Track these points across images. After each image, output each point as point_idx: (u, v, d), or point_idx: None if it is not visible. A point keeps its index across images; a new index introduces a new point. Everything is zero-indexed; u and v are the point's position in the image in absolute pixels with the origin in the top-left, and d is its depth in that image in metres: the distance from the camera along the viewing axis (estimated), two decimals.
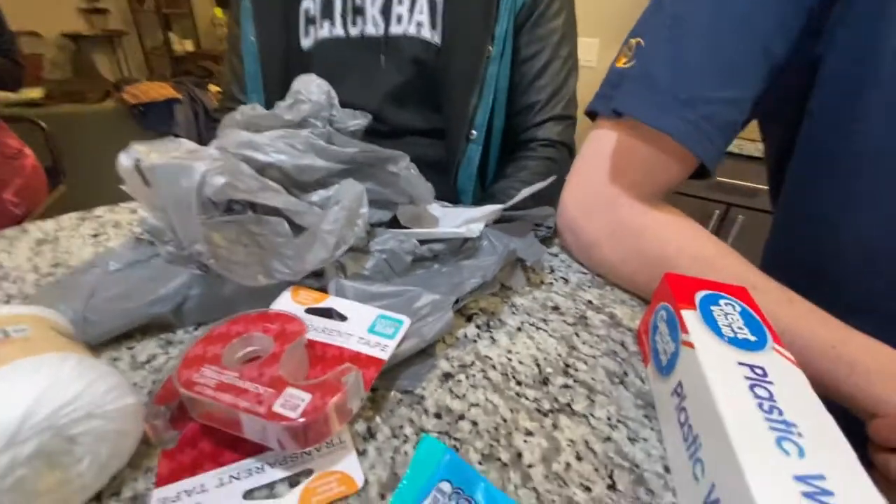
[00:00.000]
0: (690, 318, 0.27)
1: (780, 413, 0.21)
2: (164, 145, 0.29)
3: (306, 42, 0.62)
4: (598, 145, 0.38)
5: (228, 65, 0.71)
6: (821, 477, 0.18)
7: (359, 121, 0.41)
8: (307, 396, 0.22)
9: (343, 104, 0.62)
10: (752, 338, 0.26)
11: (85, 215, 0.47)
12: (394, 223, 0.40)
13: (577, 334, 0.34)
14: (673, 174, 0.35)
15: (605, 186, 0.37)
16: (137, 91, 2.00)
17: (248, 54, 0.64)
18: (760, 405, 0.22)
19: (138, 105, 1.97)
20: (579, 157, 0.40)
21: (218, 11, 3.87)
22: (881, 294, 0.35)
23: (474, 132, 0.61)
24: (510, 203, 0.40)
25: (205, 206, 0.28)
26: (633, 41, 0.35)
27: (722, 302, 0.29)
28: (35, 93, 1.90)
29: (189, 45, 4.03)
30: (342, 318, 0.30)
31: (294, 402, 0.22)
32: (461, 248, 0.39)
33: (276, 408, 0.21)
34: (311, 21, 0.61)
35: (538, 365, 0.31)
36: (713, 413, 0.21)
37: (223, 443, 0.24)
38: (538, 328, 0.34)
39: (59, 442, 0.19)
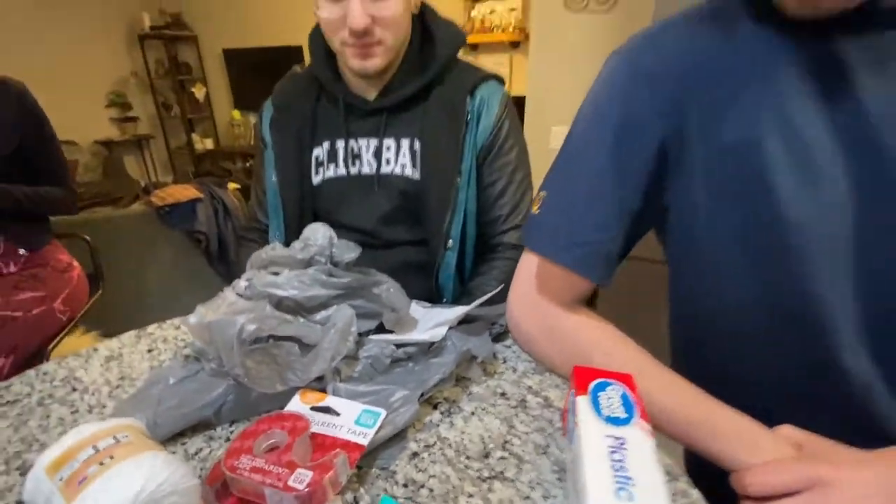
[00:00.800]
0: (582, 402, 0.38)
1: (626, 471, 0.32)
2: (215, 303, 0.42)
3: (316, 179, 0.79)
4: (529, 265, 0.51)
5: (254, 194, 0.89)
6: None
7: (352, 254, 0.54)
8: (310, 473, 0.33)
9: (345, 225, 0.77)
10: (623, 415, 0.37)
11: (140, 333, 0.60)
12: (380, 327, 0.52)
13: (516, 415, 0.45)
14: (581, 287, 0.48)
15: (536, 296, 0.50)
16: (164, 194, 2.24)
17: (269, 190, 0.81)
18: (613, 465, 0.32)
19: (164, 207, 2.20)
20: (517, 272, 0.53)
21: (235, 114, 4.31)
22: (736, 368, 0.46)
23: (450, 241, 0.75)
24: (469, 307, 0.52)
25: (241, 341, 0.41)
26: (541, 193, 0.49)
27: (609, 388, 0.40)
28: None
29: (209, 144, 4.44)
30: (336, 413, 0.41)
31: (301, 478, 0.33)
32: (430, 348, 0.50)
33: (290, 482, 0.32)
34: (320, 164, 0.78)
35: (483, 442, 0.42)
36: (581, 471, 0.32)
37: None
38: (487, 412, 0.45)
39: None
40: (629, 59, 0.45)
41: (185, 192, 2.27)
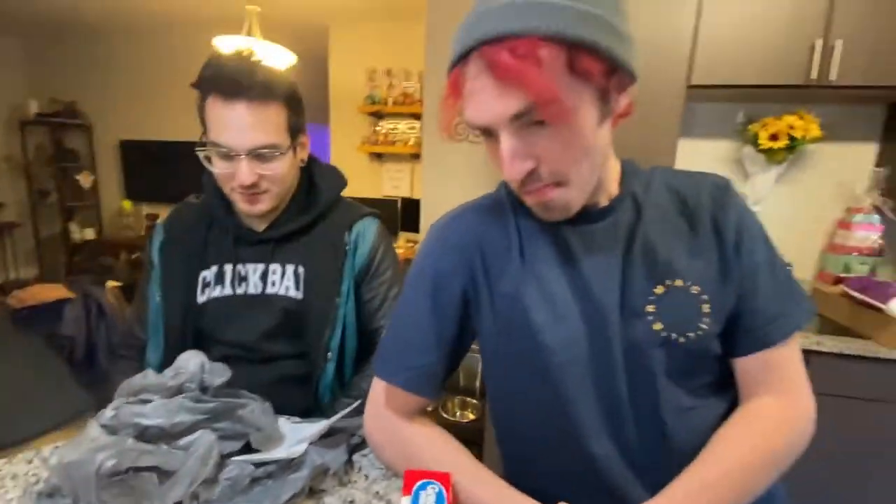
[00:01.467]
0: (405, 501, 0.47)
1: None
2: (77, 440, 0.46)
3: (202, 298, 0.84)
4: (377, 387, 0.62)
5: (136, 309, 0.91)
6: None
7: (222, 378, 0.61)
8: None
9: (228, 342, 0.82)
10: None
11: None
12: (247, 445, 0.58)
13: None
14: (416, 403, 0.60)
15: (383, 410, 0.60)
16: (25, 295, 2.03)
17: (152, 309, 0.85)
18: None
19: (23, 309, 1.98)
20: (371, 390, 0.63)
21: (126, 204, 4.09)
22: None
23: (329, 354, 0.83)
24: (331, 421, 0.60)
25: (99, 476, 0.45)
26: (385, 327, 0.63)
27: (429, 487, 0.50)
28: None
29: (90, 234, 4.10)
30: None
31: None
32: (291, 463, 0.57)
33: None
34: (206, 285, 0.84)
35: None
36: None
37: None
38: None
39: None
40: (440, 233, 0.62)
41: (52, 291, 2.07)
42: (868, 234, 1.71)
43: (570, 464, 0.55)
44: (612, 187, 0.57)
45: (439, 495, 0.49)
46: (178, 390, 0.57)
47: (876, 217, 1.71)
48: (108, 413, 0.54)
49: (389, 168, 3.27)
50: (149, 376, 0.58)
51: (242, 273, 0.84)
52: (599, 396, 0.54)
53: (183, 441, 0.53)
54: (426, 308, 0.58)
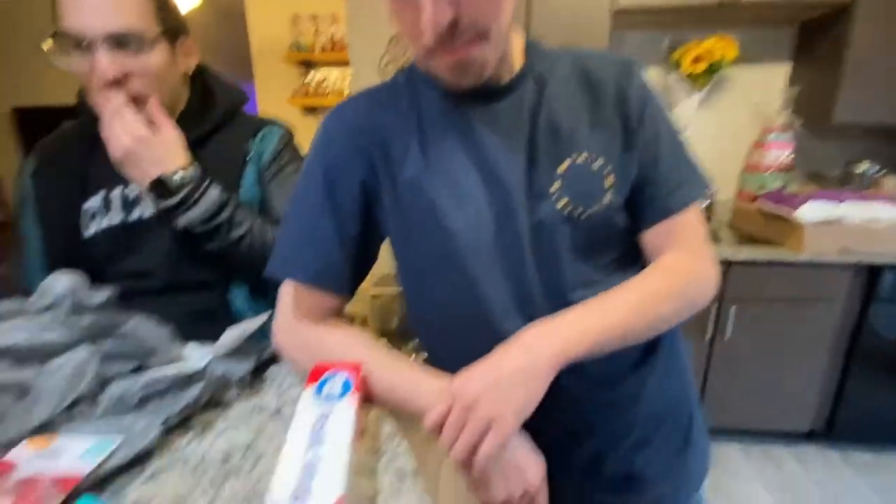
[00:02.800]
0: (308, 390, 0.45)
1: (322, 433, 0.39)
2: None
3: (88, 233, 0.75)
4: (285, 294, 0.58)
5: (14, 253, 0.80)
6: (317, 463, 0.36)
7: (101, 295, 0.54)
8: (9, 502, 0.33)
9: (127, 274, 0.74)
10: (339, 392, 0.45)
11: None
12: (139, 368, 0.53)
13: (269, 422, 0.50)
14: (327, 303, 0.56)
15: (292, 319, 0.56)
16: None
17: (31, 248, 0.75)
18: (313, 428, 0.39)
19: None
20: (278, 302, 0.59)
21: None
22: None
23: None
24: (219, 343, 0.56)
25: None
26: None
27: (336, 376, 0.47)
28: None
29: None
30: (58, 456, 0.41)
31: None
32: (188, 379, 0.53)
33: None
34: (92, 217, 0.75)
35: (225, 452, 0.45)
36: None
37: None
38: (238, 427, 0.49)
39: None
40: (334, 115, 0.57)
41: None
42: (781, 152, 1.82)
43: (483, 345, 0.55)
44: (516, 62, 0.54)
45: (345, 383, 0.47)
46: (46, 310, 0.50)
47: (787, 135, 1.81)
48: None
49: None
50: (5, 307, 0.51)
51: (132, 196, 0.76)
52: (507, 277, 0.53)
53: (56, 362, 0.48)
54: (322, 202, 0.54)
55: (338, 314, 0.59)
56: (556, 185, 0.52)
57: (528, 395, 0.43)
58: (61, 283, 0.52)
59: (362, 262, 0.59)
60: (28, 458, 0.40)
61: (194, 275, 0.78)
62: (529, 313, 0.53)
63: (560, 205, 0.51)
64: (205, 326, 0.75)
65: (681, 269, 0.52)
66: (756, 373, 1.71)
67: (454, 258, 0.53)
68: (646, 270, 0.53)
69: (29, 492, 0.35)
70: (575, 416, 0.55)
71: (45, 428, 0.44)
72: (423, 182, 0.53)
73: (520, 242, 0.52)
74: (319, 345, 0.55)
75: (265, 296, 0.83)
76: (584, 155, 0.52)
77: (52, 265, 0.74)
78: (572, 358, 0.45)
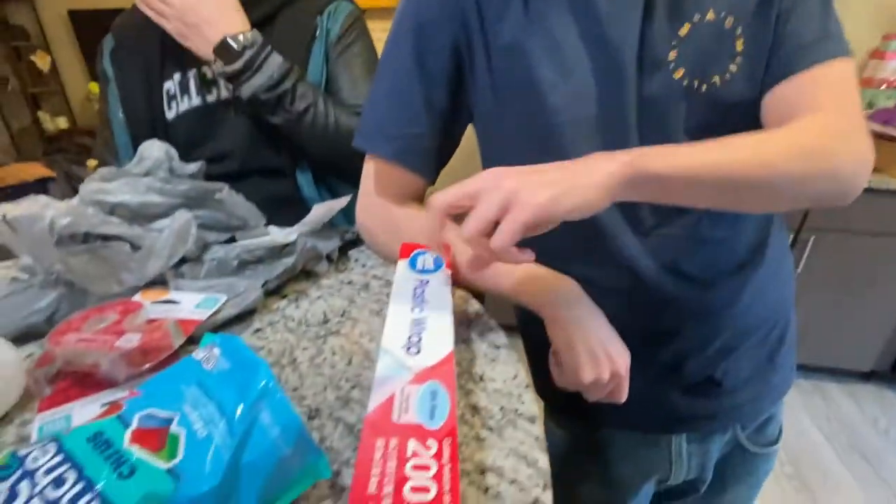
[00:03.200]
0: (402, 263, 0.45)
1: (423, 297, 0.39)
2: (25, 202, 0.41)
3: (170, 115, 0.76)
4: (367, 170, 0.56)
5: (101, 138, 0.82)
6: (424, 321, 0.36)
7: (193, 167, 0.55)
8: (138, 335, 0.36)
9: (208, 159, 0.75)
10: (432, 267, 0.44)
11: None
12: (231, 240, 0.54)
13: (358, 294, 0.51)
14: (411, 184, 0.54)
15: (375, 197, 0.55)
16: (4, 173, 1.94)
17: (117, 127, 0.77)
18: (415, 293, 0.39)
19: (6, 188, 1.91)
20: (362, 179, 0.58)
21: (93, 86, 3.78)
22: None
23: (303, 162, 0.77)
24: (309, 218, 0.56)
25: (63, 241, 0.41)
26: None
27: (427, 254, 0.47)
28: None
29: (63, 123, 3.85)
30: (176, 303, 0.43)
31: (129, 339, 0.35)
32: (281, 250, 0.54)
33: (118, 343, 0.35)
34: (172, 98, 0.75)
35: (324, 314, 0.47)
36: (390, 300, 0.38)
37: (90, 385, 0.36)
38: (332, 295, 0.50)
39: None
40: None
41: (32, 170, 1.98)
42: None
43: (575, 234, 0.52)
44: None
45: (437, 259, 0.46)
46: (145, 176, 0.51)
47: None
48: (73, 201, 0.49)
49: (374, 27, 2.92)
50: (113, 169, 0.52)
51: (209, 76, 0.75)
52: None
53: (157, 224, 0.49)
54: (411, 67, 0.50)
55: (419, 200, 0.57)
56: (675, 52, 0.45)
57: (573, 192, 0.33)
58: (156, 148, 0.52)
59: (447, 141, 0.55)
60: (148, 304, 0.43)
61: (267, 159, 0.78)
62: (630, 205, 0.49)
63: (678, 75, 0.44)
64: (278, 212, 0.76)
65: (819, 126, 0.39)
66: (823, 308, 1.63)
67: (551, 138, 0.48)
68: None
69: (156, 329, 0.37)
70: (663, 316, 0.53)
71: (157, 283, 0.47)
72: (522, 48, 0.47)
73: (626, 121, 0.46)
74: (401, 224, 0.54)
75: (326, 183, 0.83)
76: (711, 13, 0.44)
77: (136, 144, 0.76)
78: (646, 174, 0.34)
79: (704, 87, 0.44)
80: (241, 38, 0.66)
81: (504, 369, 0.39)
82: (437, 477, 0.24)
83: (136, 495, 0.22)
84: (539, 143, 0.49)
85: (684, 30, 0.44)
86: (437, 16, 0.49)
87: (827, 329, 1.66)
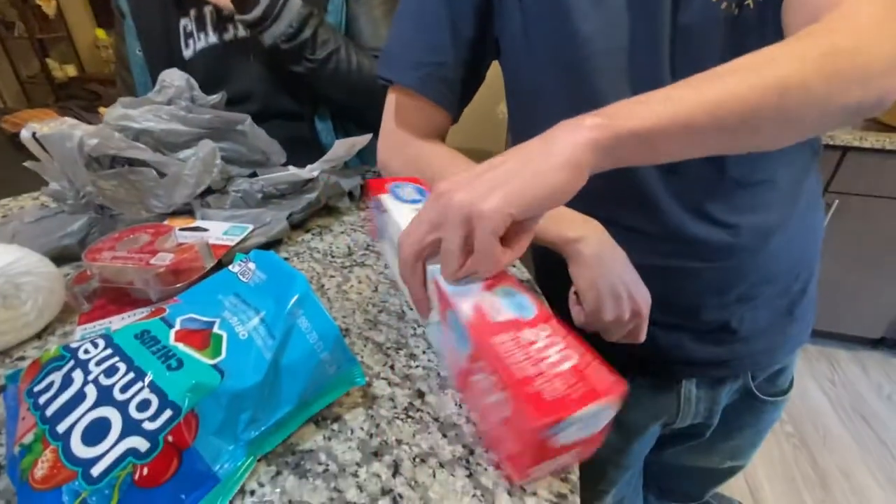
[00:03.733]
0: (385, 196, 0.43)
1: None
2: (53, 122, 0.41)
3: (187, 52, 0.74)
4: (389, 104, 0.55)
5: (119, 78, 0.81)
6: None
7: (215, 98, 0.54)
8: (171, 255, 0.36)
9: (229, 97, 0.74)
10: (418, 197, 0.43)
11: None
12: (253, 177, 0.54)
13: None
14: (434, 118, 0.53)
15: (397, 131, 0.54)
16: (17, 119, 1.93)
17: (135, 66, 0.75)
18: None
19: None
20: (384, 113, 0.57)
21: (100, 33, 3.69)
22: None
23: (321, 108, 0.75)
24: (329, 154, 0.55)
25: (91, 163, 0.41)
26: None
27: (403, 186, 0.45)
28: None
29: (71, 70, 3.79)
30: (205, 230, 0.44)
31: (163, 258, 0.36)
32: (304, 186, 0.54)
33: (152, 261, 0.35)
34: (189, 35, 0.73)
35: (349, 247, 0.47)
36: (396, 228, 0.38)
37: (126, 303, 0.37)
38: (355, 230, 0.51)
39: (9, 287, 0.32)
40: None
41: (44, 115, 1.97)
42: None
43: (598, 174, 0.51)
44: None
45: (419, 189, 0.45)
46: (167, 105, 0.51)
47: None
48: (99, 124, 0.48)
49: None
50: (128, 98, 0.52)
51: (225, 13, 0.72)
52: (638, 92, 0.46)
53: (181, 154, 0.49)
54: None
55: (441, 137, 0.56)
56: None
57: (534, 183, 0.28)
58: (177, 77, 0.51)
59: (472, 75, 0.53)
60: (177, 229, 0.43)
61: (286, 104, 0.76)
62: None
63: None
64: (296, 153, 0.75)
65: (840, 22, 0.32)
66: (839, 273, 1.61)
67: (581, 69, 0.46)
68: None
69: (188, 249, 0.38)
70: (686, 258, 0.52)
71: (183, 212, 0.47)
72: None
73: (659, 52, 0.44)
74: (426, 163, 0.53)
75: (344, 129, 0.82)
76: None
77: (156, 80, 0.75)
78: (624, 134, 0.29)
79: (738, 10, 0.42)
80: None
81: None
82: (570, 346, 0.26)
83: (186, 385, 0.23)
84: (568, 76, 0.47)
85: None
86: None
87: (839, 295, 1.64)
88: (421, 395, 0.30)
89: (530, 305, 0.29)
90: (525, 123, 0.55)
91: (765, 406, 0.63)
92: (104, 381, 0.23)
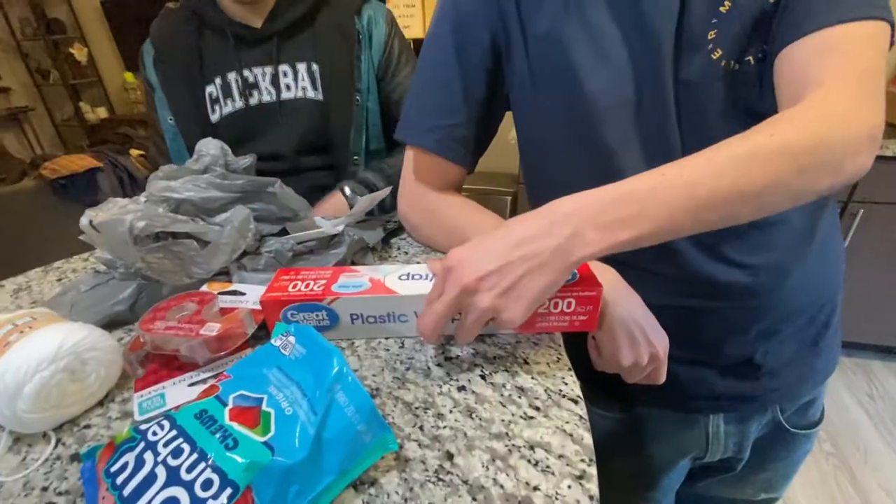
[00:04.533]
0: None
1: None
2: (106, 206, 0.46)
3: (214, 117, 0.79)
4: (408, 161, 0.58)
5: (153, 144, 0.87)
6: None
7: (246, 161, 0.59)
8: (218, 325, 0.40)
9: (260, 155, 0.79)
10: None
11: (48, 268, 0.62)
12: (283, 232, 0.58)
13: None
14: (450, 173, 0.56)
15: (415, 186, 0.57)
16: (56, 165, 2.05)
17: (167, 133, 0.81)
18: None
19: (58, 179, 2.02)
20: (403, 170, 0.60)
21: (128, 76, 3.90)
22: None
23: (356, 157, 0.80)
24: (363, 202, 0.59)
25: (139, 240, 0.45)
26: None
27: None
28: None
29: (102, 112, 4.01)
30: (242, 294, 0.47)
31: (211, 328, 0.39)
32: (330, 242, 0.57)
33: (201, 332, 0.39)
34: (215, 101, 0.79)
35: None
36: None
37: (175, 368, 0.41)
38: None
39: (77, 363, 0.35)
40: None
41: (80, 161, 2.09)
42: None
43: None
44: None
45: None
46: (203, 173, 0.55)
47: None
48: (140, 197, 0.53)
49: (397, 1, 2.89)
50: (172, 166, 0.56)
51: (250, 80, 0.77)
52: (646, 145, 0.48)
53: (218, 218, 0.53)
54: (450, 60, 0.51)
55: (457, 188, 0.59)
56: (714, 31, 0.44)
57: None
58: (213, 146, 0.56)
59: (484, 131, 0.57)
60: (217, 294, 0.47)
61: (314, 161, 0.81)
62: None
63: (716, 56, 0.44)
64: (320, 198, 0.79)
65: (814, 112, 0.35)
66: (870, 283, 1.57)
67: (588, 124, 0.49)
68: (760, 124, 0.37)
69: (233, 319, 0.41)
70: (704, 298, 0.53)
71: (221, 274, 0.51)
72: (560, 35, 0.47)
73: (664, 105, 0.46)
74: (443, 215, 0.56)
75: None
76: None
77: (189, 146, 0.80)
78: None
79: (738, 66, 0.44)
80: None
81: (546, 352, 0.41)
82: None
83: (242, 464, 0.25)
84: (576, 130, 0.50)
85: (726, 6, 0.43)
86: (475, 9, 0.50)
87: (872, 304, 1.60)
88: (450, 456, 0.32)
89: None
90: (537, 170, 0.58)
91: (796, 438, 0.62)
92: (172, 462, 0.26)
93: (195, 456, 0.26)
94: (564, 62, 0.48)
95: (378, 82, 0.80)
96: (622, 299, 0.45)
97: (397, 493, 0.30)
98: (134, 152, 2.31)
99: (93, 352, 0.36)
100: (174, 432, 0.27)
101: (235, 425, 0.28)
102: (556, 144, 0.53)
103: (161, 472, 0.25)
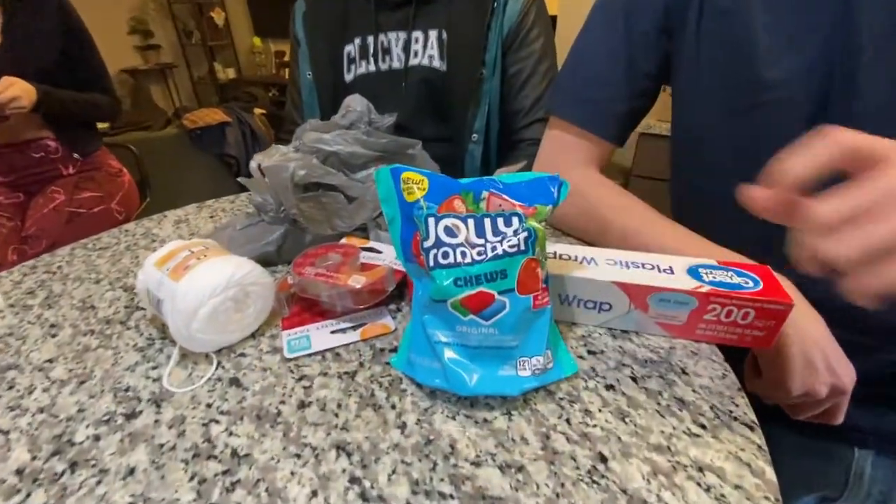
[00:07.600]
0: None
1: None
2: (269, 152, 0.48)
3: (349, 77, 0.82)
4: (549, 134, 0.55)
5: (290, 97, 0.92)
6: None
7: (389, 120, 0.59)
8: (363, 278, 0.40)
9: None
10: None
11: (200, 205, 0.68)
12: None
13: None
14: (595, 150, 0.52)
15: (555, 160, 0.54)
16: (195, 117, 2.29)
17: (304, 87, 0.85)
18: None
19: (195, 129, 2.26)
20: (541, 144, 0.57)
21: (256, 41, 4.23)
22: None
23: (475, 135, 0.78)
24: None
25: (295, 188, 0.47)
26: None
27: None
28: (104, 123, 2.21)
29: (231, 73, 4.40)
30: (379, 252, 0.48)
31: (357, 280, 0.40)
32: None
33: (349, 282, 0.39)
34: (352, 61, 0.81)
35: None
36: None
37: (316, 312, 0.42)
38: None
39: (242, 294, 0.38)
40: None
41: (214, 115, 2.31)
42: None
43: (765, 236, 0.46)
44: None
45: None
46: (349, 129, 0.56)
47: None
48: (291, 146, 0.55)
49: None
50: (315, 121, 0.58)
51: (385, 44, 0.78)
52: None
53: (360, 175, 0.54)
54: (619, 28, 0.46)
55: (603, 163, 0.55)
56: None
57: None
58: (359, 102, 0.57)
59: (641, 108, 0.51)
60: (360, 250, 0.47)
61: (434, 130, 0.80)
62: None
63: None
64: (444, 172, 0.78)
65: None
66: None
67: (758, 117, 0.42)
68: None
69: (378, 274, 0.41)
70: (865, 331, 0.44)
71: (359, 229, 0.52)
72: (742, 9, 0.40)
73: (845, 104, 0.38)
74: (582, 196, 0.52)
75: (487, 155, 0.84)
76: None
77: (322, 104, 0.83)
78: None
79: None
80: None
81: (709, 365, 0.37)
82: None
83: None
84: (736, 120, 0.43)
85: None
86: None
87: None
88: (604, 459, 0.29)
89: None
90: (688, 164, 0.52)
91: None
92: None
93: None
94: (744, 43, 0.41)
95: (503, 56, 0.77)
96: (803, 318, 0.39)
97: (547, 485, 0.28)
98: (257, 111, 2.51)
99: (255, 286, 0.38)
100: None
101: None
102: (716, 137, 0.46)
103: None
